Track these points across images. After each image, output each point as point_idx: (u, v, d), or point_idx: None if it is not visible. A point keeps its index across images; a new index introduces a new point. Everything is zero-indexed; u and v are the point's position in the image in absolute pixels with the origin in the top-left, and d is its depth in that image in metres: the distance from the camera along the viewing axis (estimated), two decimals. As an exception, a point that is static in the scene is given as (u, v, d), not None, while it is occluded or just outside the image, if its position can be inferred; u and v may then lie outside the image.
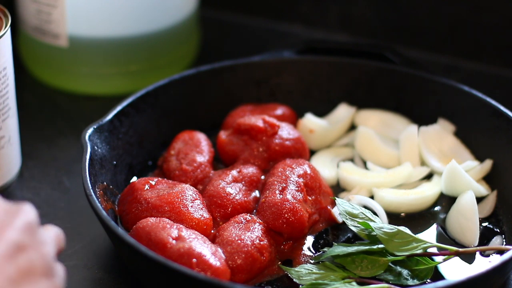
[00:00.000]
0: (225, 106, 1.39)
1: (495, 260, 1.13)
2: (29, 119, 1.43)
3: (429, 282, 1.10)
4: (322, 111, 1.42)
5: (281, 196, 1.17)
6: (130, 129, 1.29)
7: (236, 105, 1.39)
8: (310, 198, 1.20)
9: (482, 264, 1.15)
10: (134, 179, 1.28)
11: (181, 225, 1.11)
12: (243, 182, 1.22)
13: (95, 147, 1.20)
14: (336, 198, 1.18)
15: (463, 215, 1.20)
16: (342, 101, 1.42)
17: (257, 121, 1.29)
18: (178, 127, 1.34)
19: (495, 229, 1.22)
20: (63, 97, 1.52)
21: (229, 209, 1.18)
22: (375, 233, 1.11)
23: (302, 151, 1.30)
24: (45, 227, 0.91)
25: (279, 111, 1.38)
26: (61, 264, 0.90)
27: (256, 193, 1.23)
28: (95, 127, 1.22)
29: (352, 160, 1.36)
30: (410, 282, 1.10)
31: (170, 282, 1.05)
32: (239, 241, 1.11)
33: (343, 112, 1.40)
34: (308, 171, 1.23)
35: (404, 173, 1.29)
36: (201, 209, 1.16)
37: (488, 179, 1.29)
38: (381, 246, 1.11)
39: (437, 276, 1.13)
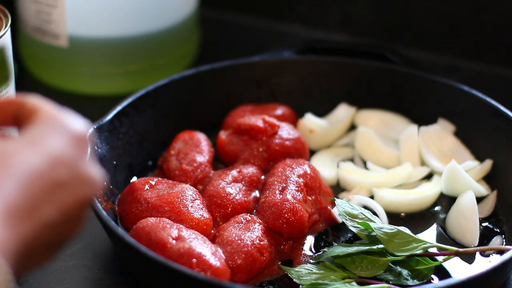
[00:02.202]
0: (225, 106, 1.39)
1: (495, 260, 1.13)
2: (29, 119, 1.43)
3: (432, 281, 1.10)
4: (322, 111, 1.42)
5: (281, 196, 1.17)
6: (130, 129, 1.29)
7: (236, 105, 1.39)
8: (310, 198, 1.20)
9: (482, 264, 1.15)
10: (134, 179, 1.28)
11: (181, 225, 1.11)
12: (243, 182, 1.22)
13: (95, 147, 1.20)
14: (336, 198, 1.18)
15: (463, 215, 1.20)
16: (342, 101, 1.42)
17: (257, 121, 1.29)
18: (178, 127, 1.34)
19: (495, 229, 1.22)
20: (63, 97, 1.52)
21: (229, 209, 1.18)
22: (375, 234, 1.11)
23: (302, 151, 1.30)
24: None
25: (279, 111, 1.38)
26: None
27: (256, 193, 1.23)
28: (95, 127, 1.22)
29: (352, 160, 1.36)
30: (410, 282, 1.10)
31: (170, 282, 1.05)
32: (239, 241, 1.11)
33: (343, 112, 1.40)
34: (308, 171, 1.23)
35: (404, 173, 1.29)
36: (201, 209, 1.16)
37: (488, 179, 1.29)
38: (381, 246, 1.11)
39: (439, 274, 1.13)
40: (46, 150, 0.78)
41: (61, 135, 0.80)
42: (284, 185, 1.19)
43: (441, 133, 1.34)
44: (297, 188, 1.19)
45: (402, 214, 1.25)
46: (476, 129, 1.33)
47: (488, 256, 1.16)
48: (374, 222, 1.14)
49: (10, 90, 1.21)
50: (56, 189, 0.78)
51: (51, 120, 0.81)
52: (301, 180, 1.20)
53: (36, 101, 0.85)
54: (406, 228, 1.13)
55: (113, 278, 1.15)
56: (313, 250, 1.17)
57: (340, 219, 1.20)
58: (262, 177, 1.25)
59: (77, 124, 0.82)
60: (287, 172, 1.21)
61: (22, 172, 0.76)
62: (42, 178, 0.77)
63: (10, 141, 0.78)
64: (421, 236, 1.16)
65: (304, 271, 1.11)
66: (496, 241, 1.19)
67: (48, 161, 0.78)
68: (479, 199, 1.25)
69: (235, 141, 1.30)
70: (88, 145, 0.82)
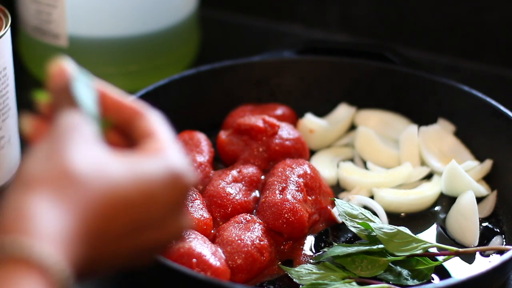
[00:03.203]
0: (225, 106, 1.39)
1: (495, 260, 1.13)
2: (29, 119, 1.43)
3: (432, 281, 1.10)
4: (322, 111, 1.41)
5: (281, 196, 1.17)
6: (130, 129, 1.29)
7: (236, 105, 1.39)
8: (310, 198, 1.20)
9: (482, 264, 1.15)
10: (134, 179, 1.27)
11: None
12: (243, 182, 1.22)
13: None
14: (335, 199, 1.18)
15: (463, 215, 1.20)
16: (342, 101, 1.42)
17: (257, 121, 1.29)
18: (178, 127, 1.34)
19: (495, 229, 1.22)
20: (63, 97, 1.52)
21: (229, 209, 1.18)
22: (375, 234, 1.11)
23: (302, 151, 1.29)
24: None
25: (279, 111, 1.38)
26: None
27: (256, 193, 1.23)
28: (95, 127, 1.22)
29: (352, 160, 1.36)
30: (410, 282, 1.10)
31: (170, 282, 1.05)
32: (239, 241, 1.11)
33: (343, 112, 1.40)
34: (308, 171, 1.22)
35: (404, 173, 1.29)
36: (201, 209, 1.16)
37: (488, 179, 1.29)
38: (381, 246, 1.11)
39: (439, 274, 1.13)
40: (146, 186, 0.76)
41: (168, 179, 0.77)
42: (284, 185, 1.19)
43: (441, 133, 1.34)
44: (297, 188, 1.19)
45: (402, 214, 1.25)
46: (476, 129, 1.33)
47: (488, 256, 1.16)
48: (374, 222, 1.14)
49: (10, 89, 1.21)
50: (140, 228, 0.76)
51: (164, 158, 0.78)
52: (301, 180, 1.20)
53: (156, 121, 0.82)
54: (406, 228, 1.13)
55: (113, 278, 1.15)
56: (313, 250, 1.17)
57: (340, 219, 1.20)
58: (262, 177, 1.25)
59: (188, 173, 0.79)
60: (287, 172, 1.21)
61: (116, 197, 0.74)
62: (132, 212, 0.75)
63: (116, 158, 0.76)
64: (421, 236, 1.16)
65: (304, 271, 1.11)
66: (496, 241, 1.19)
67: (144, 199, 0.75)
68: (479, 199, 1.25)
69: (235, 141, 1.30)
70: (188, 197, 0.80)
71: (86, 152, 0.75)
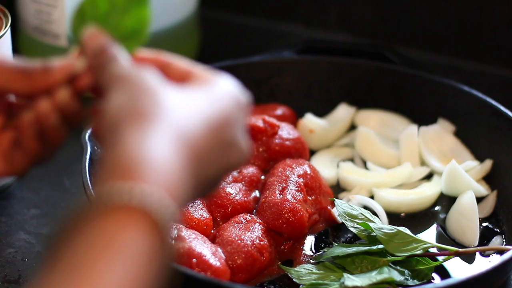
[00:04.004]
0: (225, 106, 1.39)
1: (495, 260, 1.13)
2: (29, 119, 1.43)
3: (433, 281, 1.10)
4: (322, 111, 1.41)
5: (281, 196, 1.17)
6: (130, 129, 1.29)
7: (236, 105, 1.39)
8: (310, 198, 1.20)
9: (482, 264, 1.15)
10: (134, 179, 1.27)
11: (181, 225, 1.11)
12: (243, 182, 1.22)
13: (95, 147, 1.20)
14: (335, 199, 1.18)
15: (463, 215, 1.20)
16: (342, 101, 1.42)
17: (257, 121, 1.29)
18: (178, 127, 1.34)
19: (495, 229, 1.22)
20: (63, 97, 1.52)
21: (229, 209, 1.18)
22: (374, 234, 1.11)
23: (302, 151, 1.30)
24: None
25: (279, 111, 1.38)
26: None
27: (256, 193, 1.23)
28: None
29: (352, 160, 1.36)
30: (410, 282, 1.10)
31: (170, 282, 1.05)
32: (239, 241, 1.11)
33: (343, 112, 1.40)
34: (308, 171, 1.22)
35: (404, 173, 1.29)
36: (201, 209, 1.16)
37: (488, 179, 1.29)
38: (381, 246, 1.11)
39: (439, 274, 1.13)
40: (220, 108, 0.80)
41: (229, 99, 0.82)
42: (284, 185, 1.19)
43: (441, 133, 1.34)
44: (297, 188, 1.19)
45: (402, 214, 1.25)
46: (476, 129, 1.33)
47: (488, 256, 1.16)
48: (374, 222, 1.14)
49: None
50: (225, 148, 0.79)
51: (221, 84, 0.85)
52: (301, 180, 1.20)
53: (186, 63, 0.89)
54: (406, 229, 1.13)
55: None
56: (313, 250, 1.17)
57: (340, 220, 1.20)
58: (262, 177, 1.25)
59: (241, 93, 0.85)
60: (287, 172, 1.21)
61: (206, 118, 0.77)
62: (220, 133, 0.78)
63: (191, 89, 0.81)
64: (421, 236, 1.16)
65: (304, 271, 1.11)
66: (496, 241, 1.19)
67: (223, 119, 0.79)
68: (479, 199, 1.25)
69: (235, 141, 1.29)
70: (246, 114, 0.83)
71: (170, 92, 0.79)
